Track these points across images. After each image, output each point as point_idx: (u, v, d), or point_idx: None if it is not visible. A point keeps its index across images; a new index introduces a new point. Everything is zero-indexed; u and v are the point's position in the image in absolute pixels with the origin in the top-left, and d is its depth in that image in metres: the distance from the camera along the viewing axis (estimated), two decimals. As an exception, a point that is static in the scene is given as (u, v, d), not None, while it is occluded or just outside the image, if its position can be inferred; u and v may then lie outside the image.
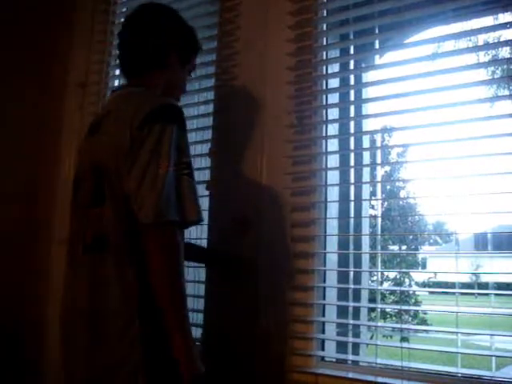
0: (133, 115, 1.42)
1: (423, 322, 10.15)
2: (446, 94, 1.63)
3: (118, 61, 1.72)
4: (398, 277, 11.00)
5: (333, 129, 1.97)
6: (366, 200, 2.10)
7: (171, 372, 1.35)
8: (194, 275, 2.15)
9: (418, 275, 13.44)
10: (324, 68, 1.94)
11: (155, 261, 1.34)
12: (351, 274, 1.90)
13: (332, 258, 1.90)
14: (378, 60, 2.01)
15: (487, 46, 2.07)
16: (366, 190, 2.06)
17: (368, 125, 2.01)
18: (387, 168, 13.17)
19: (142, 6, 1.68)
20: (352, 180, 1.95)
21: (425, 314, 10.33)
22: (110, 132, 1.49)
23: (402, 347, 1.59)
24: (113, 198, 1.43)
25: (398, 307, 1.76)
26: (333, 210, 1.93)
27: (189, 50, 1.74)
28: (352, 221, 1.98)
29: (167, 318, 1.34)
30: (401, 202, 14.17)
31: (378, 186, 2.20)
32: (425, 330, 2.09)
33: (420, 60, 1.68)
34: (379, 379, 1.61)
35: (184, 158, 1.43)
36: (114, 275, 1.40)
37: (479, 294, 1.94)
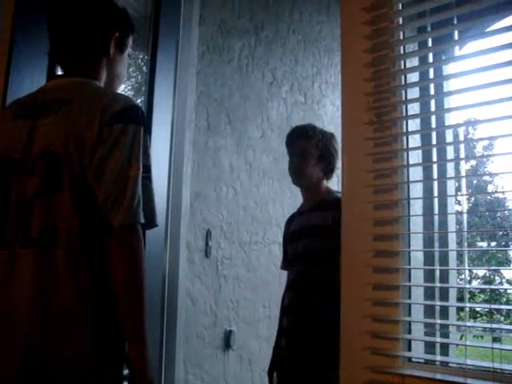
0: (102, 110, 1.40)
1: (516, 321, 9.76)
2: (533, 82, 1.57)
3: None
4: (487, 274, 10.64)
5: (414, 124, 1.93)
6: (451, 196, 2.05)
7: (118, 377, 1.38)
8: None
9: (510, 272, 12.94)
10: (402, 63, 1.90)
11: (123, 262, 1.34)
12: (437, 272, 1.85)
13: (417, 257, 1.86)
14: (457, 51, 1.95)
15: None
16: (450, 186, 2.01)
17: (451, 118, 1.96)
18: (473, 162, 12.78)
19: None
20: (435, 176, 1.91)
21: (518, 313, 9.94)
22: (71, 121, 1.42)
23: (493, 348, 1.53)
24: (73, 188, 1.37)
25: (488, 306, 1.70)
26: (417, 207, 1.89)
27: (127, 33, 1.67)
28: (437, 217, 1.93)
29: (127, 322, 1.34)
30: (489, 197, 13.69)
31: (463, 180, 2.14)
32: (518, 330, 2.00)
33: (502, 48, 1.62)
34: (469, 381, 1.56)
35: (146, 161, 1.44)
36: (66, 273, 1.33)
37: None
